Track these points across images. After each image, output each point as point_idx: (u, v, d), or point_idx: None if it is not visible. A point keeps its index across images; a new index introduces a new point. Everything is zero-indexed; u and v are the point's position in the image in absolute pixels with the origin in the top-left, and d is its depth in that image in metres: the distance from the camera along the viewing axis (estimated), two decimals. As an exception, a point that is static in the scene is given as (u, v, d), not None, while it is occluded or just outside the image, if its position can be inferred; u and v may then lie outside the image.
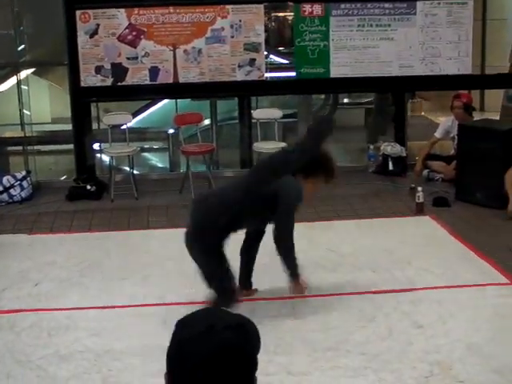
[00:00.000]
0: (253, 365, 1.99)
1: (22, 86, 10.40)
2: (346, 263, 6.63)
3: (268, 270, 6.18)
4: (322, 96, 13.71)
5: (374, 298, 5.80)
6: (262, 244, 5.89)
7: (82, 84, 9.55)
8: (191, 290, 5.98)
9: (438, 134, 9.89)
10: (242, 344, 1.96)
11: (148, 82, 9.58)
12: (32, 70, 11.36)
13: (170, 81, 9.61)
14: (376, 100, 12.39)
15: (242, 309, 5.36)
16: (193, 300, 5.77)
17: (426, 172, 9.73)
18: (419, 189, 8.29)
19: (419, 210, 8.25)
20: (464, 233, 7.48)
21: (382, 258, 6.74)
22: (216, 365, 1.91)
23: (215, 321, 1.98)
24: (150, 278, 6.43)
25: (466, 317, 5.43)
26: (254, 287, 6.01)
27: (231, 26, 9.54)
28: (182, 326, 2.02)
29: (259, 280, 6.08)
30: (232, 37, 9.57)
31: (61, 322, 5.54)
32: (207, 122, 10.78)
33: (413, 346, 4.97)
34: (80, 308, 5.82)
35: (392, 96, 11.12)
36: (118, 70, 9.53)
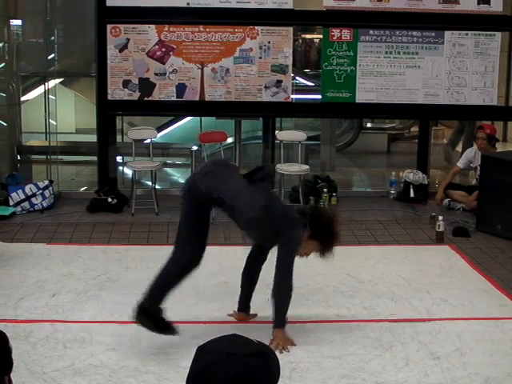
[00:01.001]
0: None
1: (49, 96, 10.48)
2: (365, 290, 6.60)
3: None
4: (346, 120, 13.73)
5: (391, 327, 5.77)
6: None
7: (109, 97, 9.61)
8: (206, 308, 6.01)
9: (460, 164, 9.88)
10: (262, 372, 1.96)
11: (174, 99, 9.64)
12: (60, 80, 11.44)
13: (196, 98, 9.66)
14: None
15: (259, 332, 5.36)
16: (209, 319, 5.78)
17: (446, 201, 9.71)
18: (440, 218, 8.27)
19: (439, 239, 8.22)
20: (483, 264, 7.45)
21: (400, 286, 6.71)
22: None
23: (237, 348, 1.98)
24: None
25: (483, 350, 5.38)
26: (252, 312, 5.94)
27: (260, 47, 9.59)
28: (204, 351, 2.02)
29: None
30: (260, 58, 9.62)
31: (77, 335, 5.53)
32: (230, 140, 10.80)
33: (429, 377, 4.93)
34: (96, 321, 5.82)
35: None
36: (146, 85, 9.59)
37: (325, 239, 5.60)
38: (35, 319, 5.83)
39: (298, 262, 7.26)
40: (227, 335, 2.09)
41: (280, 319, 5.43)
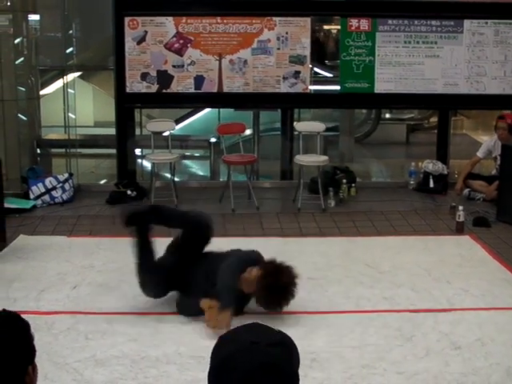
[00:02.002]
0: (295, 381, 1.99)
1: (68, 89, 10.51)
2: (385, 280, 6.59)
3: (308, 285, 6.20)
4: (364, 110, 13.70)
5: (412, 317, 5.76)
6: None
7: (128, 90, 9.64)
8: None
9: (480, 154, 9.83)
10: (284, 361, 1.96)
11: (192, 91, 9.65)
12: (78, 73, 11.47)
13: (215, 90, 9.67)
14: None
15: (277, 322, 5.38)
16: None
17: (466, 191, 9.67)
18: (460, 208, 8.23)
19: (459, 230, 8.19)
20: (504, 254, 7.41)
21: (420, 276, 6.69)
22: (259, 382, 1.90)
23: (258, 337, 1.97)
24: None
25: (504, 340, 5.35)
26: None
27: (277, 38, 9.58)
28: (225, 342, 2.01)
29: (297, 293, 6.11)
30: (278, 49, 9.61)
31: (98, 326, 5.56)
32: (249, 132, 10.80)
33: (450, 367, 4.92)
34: (117, 313, 5.84)
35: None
36: (164, 78, 9.61)
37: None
38: (57, 311, 5.86)
39: (317, 254, 7.28)
40: (248, 324, 2.09)
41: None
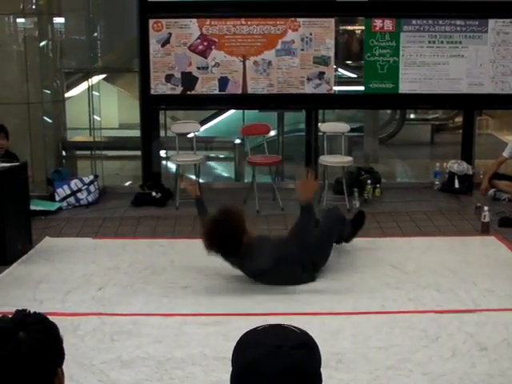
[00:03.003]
0: (318, 381, 1.99)
1: (93, 92, 10.57)
2: (410, 281, 6.56)
3: (332, 285, 6.21)
4: (389, 111, 13.66)
5: (437, 318, 5.74)
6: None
7: (152, 92, 9.67)
8: (252, 301, 6.05)
9: (505, 154, 9.76)
10: (309, 363, 1.95)
11: (217, 92, 9.67)
12: (103, 76, 11.53)
13: (239, 91, 9.68)
14: None
15: (302, 322, 5.36)
16: (253, 311, 5.79)
17: (492, 191, 9.61)
18: (485, 208, 8.18)
19: (485, 230, 8.14)
20: (530, 255, 7.37)
21: (446, 277, 6.66)
22: None
23: (281, 340, 1.96)
24: (213, 287, 6.45)
25: (531, 341, 5.34)
26: None
27: (301, 39, 9.58)
28: (247, 346, 1.99)
29: (318, 296, 6.12)
30: (302, 50, 9.61)
31: (123, 328, 5.58)
32: (273, 133, 10.80)
33: (476, 368, 4.89)
34: (143, 314, 5.86)
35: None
36: (188, 79, 9.64)
37: None
38: (82, 312, 5.89)
39: (342, 255, 7.27)
40: (269, 326, 2.06)
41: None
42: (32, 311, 2.25)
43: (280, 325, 2.07)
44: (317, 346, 2.03)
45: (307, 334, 2.04)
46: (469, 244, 7.77)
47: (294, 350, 1.92)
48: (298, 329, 2.04)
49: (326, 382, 4.72)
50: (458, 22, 9.66)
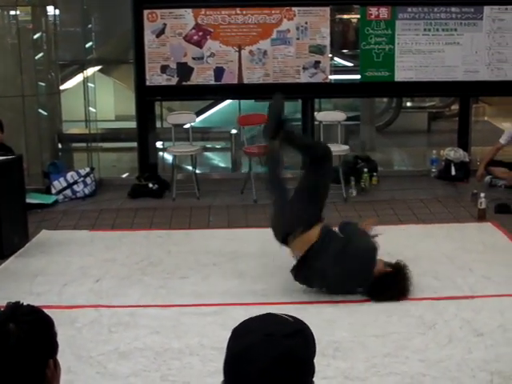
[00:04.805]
0: (311, 370, 1.99)
1: (88, 84, 10.55)
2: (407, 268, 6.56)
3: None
4: (385, 99, 13.64)
5: (434, 305, 5.75)
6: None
7: (148, 83, 9.65)
8: (249, 290, 6.06)
9: (502, 140, 9.75)
10: (301, 351, 1.96)
11: (213, 82, 9.66)
12: (98, 67, 11.50)
13: (235, 81, 9.67)
14: None
15: (301, 312, 5.38)
16: (251, 301, 5.80)
17: (488, 178, 9.61)
18: (482, 195, 8.18)
19: (481, 217, 8.15)
20: (527, 241, 7.39)
21: (443, 264, 6.67)
22: (276, 373, 1.89)
23: (273, 328, 1.97)
24: (210, 277, 6.46)
25: (527, 326, 5.35)
26: None
27: (297, 28, 9.56)
28: (240, 334, 2.01)
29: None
30: (297, 39, 9.59)
31: (121, 319, 5.59)
32: (270, 122, 10.76)
33: (473, 354, 4.91)
34: (140, 306, 5.86)
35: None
36: (184, 70, 9.62)
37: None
38: (80, 305, 5.89)
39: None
40: (262, 315, 2.08)
41: None
42: (25, 303, 2.27)
43: (274, 314, 2.08)
44: (310, 335, 2.04)
45: (302, 322, 2.05)
46: (465, 231, 7.78)
47: (286, 338, 1.93)
48: (293, 317, 2.05)
49: (323, 370, 4.77)
50: (453, 10, 9.64)
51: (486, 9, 9.63)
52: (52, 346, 2.26)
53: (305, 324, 2.05)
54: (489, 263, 6.69)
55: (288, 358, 1.91)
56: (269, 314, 2.08)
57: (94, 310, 5.77)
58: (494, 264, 6.66)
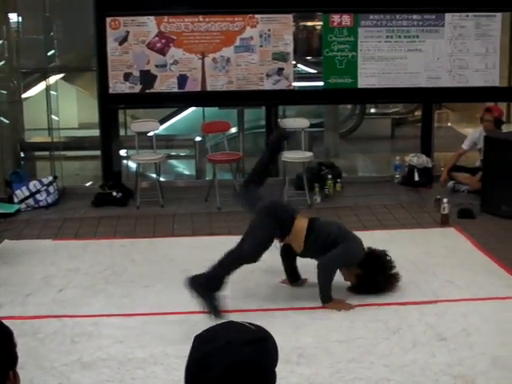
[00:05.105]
0: (272, 378, 1.99)
1: (51, 92, 10.47)
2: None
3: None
4: (349, 106, 13.70)
5: (398, 310, 5.78)
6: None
7: (111, 91, 9.60)
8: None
9: (465, 146, 9.84)
10: (260, 359, 1.96)
11: (176, 90, 9.63)
12: (60, 75, 11.42)
13: (198, 89, 9.65)
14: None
15: (266, 318, 5.38)
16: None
17: (451, 183, 9.69)
18: (444, 200, 8.25)
19: (444, 222, 8.21)
20: (489, 245, 7.44)
21: (407, 269, 6.68)
22: (234, 380, 1.90)
23: (234, 336, 1.97)
24: (174, 286, 6.42)
25: (490, 330, 5.40)
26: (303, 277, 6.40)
27: (260, 35, 9.57)
28: (201, 341, 2.01)
29: (282, 292, 6.14)
30: (261, 46, 9.60)
31: (84, 329, 5.55)
32: (234, 130, 10.79)
33: (436, 358, 4.95)
34: (104, 315, 5.83)
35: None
36: (147, 78, 9.58)
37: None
38: (43, 315, 5.85)
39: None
40: (223, 322, 2.09)
41: (323, 296, 5.90)
42: None
43: (236, 321, 2.08)
44: (272, 344, 2.04)
45: (263, 331, 2.05)
46: (429, 236, 7.83)
47: (246, 345, 1.93)
48: (255, 326, 2.05)
49: (287, 376, 4.76)
50: (415, 17, 9.70)
51: (448, 16, 9.71)
52: (12, 358, 2.24)
53: (267, 332, 2.05)
54: (452, 268, 6.74)
55: (247, 366, 1.91)
56: (231, 322, 2.08)
57: (56, 320, 5.73)
58: (457, 268, 6.72)
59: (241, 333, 2.00)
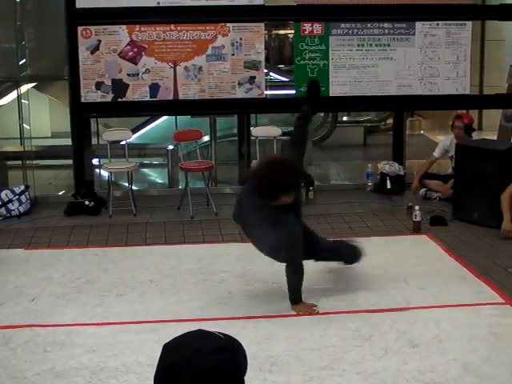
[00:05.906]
0: None
1: (23, 101, 10.43)
2: (343, 281, 6.61)
3: (267, 289, 6.24)
4: (321, 114, 13.74)
5: (370, 317, 5.81)
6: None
7: (83, 99, 9.58)
8: (186, 307, 6.05)
9: (436, 154, 9.92)
10: (229, 367, 1.97)
11: (148, 99, 9.62)
12: (32, 84, 11.38)
13: (170, 97, 9.64)
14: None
15: (237, 326, 5.39)
16: (188, 317, 5.79)
17: (423, 191, 9.75)
18: (416, 207, 8.30)
19: (416, 229, 8.26)
20: (461, 252, 7.49)
21: (378, 276, 6.73)
22: None
23: (202, 344, 1.98)
24: (147, 294, 6.43)
25: (461, 336, 5.43)
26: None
27: (232, 44, 9.58)
28: (169, 349, 2.02)
29: (254, 300, 6.15)
30: (232, 54, 9.61)
31: (57, 339, 5.53)
32: (206, 138, 10.80)
33: (408, 365, 4.97)
34: (76, 324, 5.81)
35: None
36: (119, 86, 9.57)
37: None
38: (14, 325, 5.81)
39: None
40: (192, 331, 2.09)
41: (293, 297, 5.97)
42: None
43: (205, 330, 2.09)
44: (241, 352, 2.05)
45: (232, 339, 2.06)
46: (401, 243, 7.88)
47: (214, 354, 1.94)
48: (224, 334, 2.06)
49: (259, 385, 4.72)
50: (386, 25, 9.77)
51: (418, 24, 9.79)
52: None
53: (236, 341, 2.07)
54: (424, 275, 6.78)
55: (216, 373, 1.92)
56: (200, 331, 2.09)
57: (28, 330, 5.69)
58: (429, 275, 6.76)
59: (210, 341, 2.01)
